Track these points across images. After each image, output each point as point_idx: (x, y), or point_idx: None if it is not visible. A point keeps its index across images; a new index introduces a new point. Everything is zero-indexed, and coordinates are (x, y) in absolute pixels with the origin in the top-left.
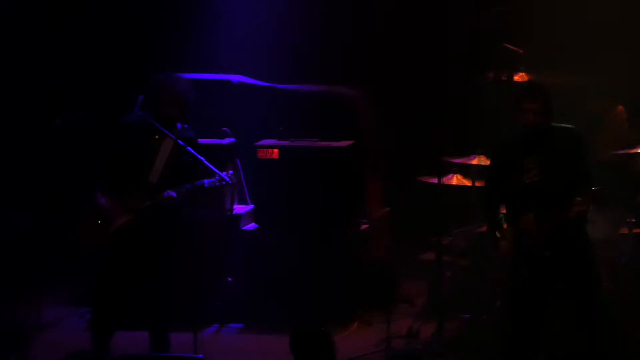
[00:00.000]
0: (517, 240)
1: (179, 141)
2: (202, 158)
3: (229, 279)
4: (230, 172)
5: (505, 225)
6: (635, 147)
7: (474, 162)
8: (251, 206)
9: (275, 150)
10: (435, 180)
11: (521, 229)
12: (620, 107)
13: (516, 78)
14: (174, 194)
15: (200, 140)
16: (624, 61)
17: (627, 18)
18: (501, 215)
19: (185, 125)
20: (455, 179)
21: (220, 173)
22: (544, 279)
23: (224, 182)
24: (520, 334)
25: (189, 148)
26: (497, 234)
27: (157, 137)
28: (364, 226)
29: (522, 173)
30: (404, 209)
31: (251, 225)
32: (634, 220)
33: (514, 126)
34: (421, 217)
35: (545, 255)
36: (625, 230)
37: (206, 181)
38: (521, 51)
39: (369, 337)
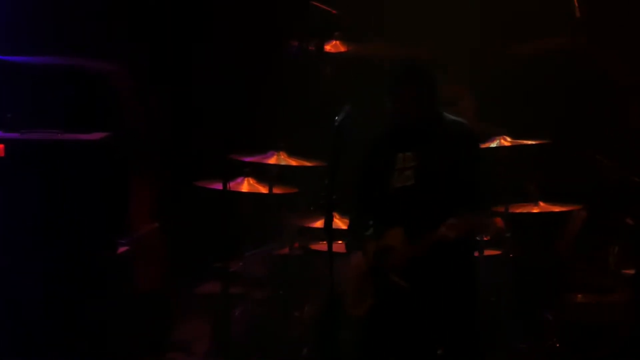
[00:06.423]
0: (377, 260)
1: None
2: None
3: None
4: None
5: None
6: (490, 139)
7: (272, 161)
8: None
9: (0, 146)
10: (220, 186)
11: (385, 245)
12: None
13: (328, 48)
14: None
15: None
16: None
17: None
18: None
19: None
20: (247, 184)
21: None
22: (396, 319)
23: None
24: None
25: None
26: (357, 246)
27: None
28: (124, 247)
29: (393, 174)
30: (180, 224)
31: None
32: (485, 238)
33: (328, 114)
34: (202, 235)
35: (403, 287)
36: (475, 253)
37: None
38: (334, 12)
39: None
